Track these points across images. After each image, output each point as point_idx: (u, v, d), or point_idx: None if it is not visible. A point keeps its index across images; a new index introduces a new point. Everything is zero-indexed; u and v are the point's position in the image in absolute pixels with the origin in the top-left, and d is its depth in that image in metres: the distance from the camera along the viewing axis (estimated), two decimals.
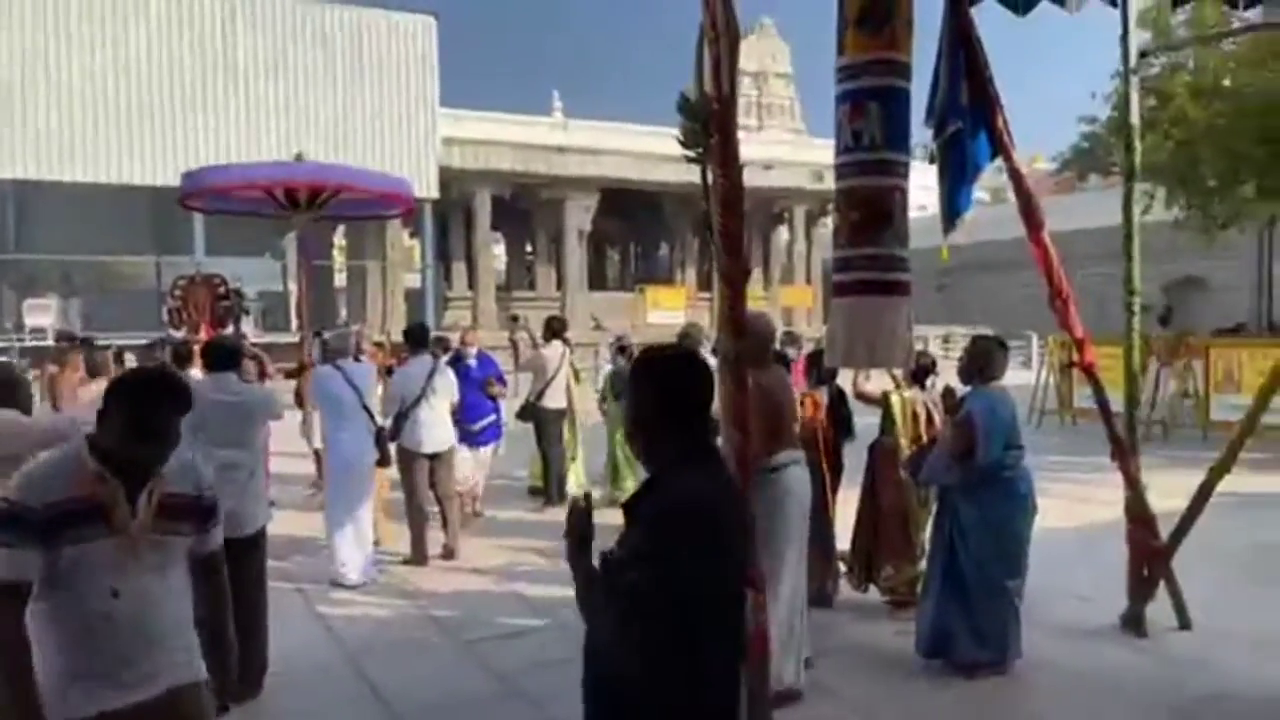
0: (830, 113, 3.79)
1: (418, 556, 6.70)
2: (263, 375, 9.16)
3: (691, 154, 3.21)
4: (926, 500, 5.29)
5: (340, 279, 28.74)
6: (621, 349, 8.89)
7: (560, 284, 28.40)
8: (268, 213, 8.33)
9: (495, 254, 29.68)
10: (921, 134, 4.68)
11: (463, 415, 7.60)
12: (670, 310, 24.84)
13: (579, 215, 27.37)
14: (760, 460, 3.96)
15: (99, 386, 6.43)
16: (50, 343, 17.22)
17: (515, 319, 10.98)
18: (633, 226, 32.66)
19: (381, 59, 23.31)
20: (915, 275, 3.95)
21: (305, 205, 7.50)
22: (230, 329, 10.32)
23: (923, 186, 7.02)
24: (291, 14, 22.37)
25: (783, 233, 32.79)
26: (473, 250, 26.96)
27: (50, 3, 19.89)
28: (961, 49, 4.64)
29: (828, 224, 32.56)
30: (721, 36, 3.02)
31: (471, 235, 26.84)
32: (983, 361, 4.64)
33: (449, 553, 6.82)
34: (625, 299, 28.65)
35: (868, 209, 3.63)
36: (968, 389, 4.68)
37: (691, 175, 3.25)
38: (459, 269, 28.48)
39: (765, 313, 5.51)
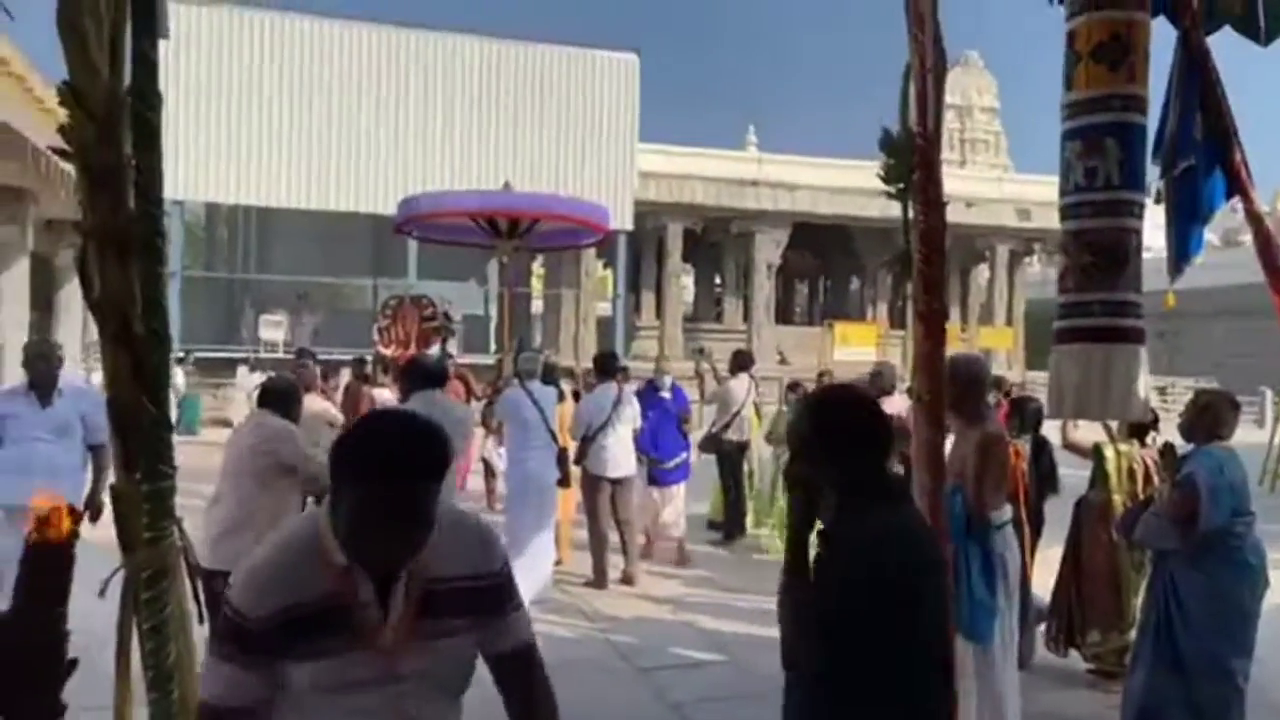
0: (1039, 147, 3.60)
1: (598, 579, 6.83)
2: (469, 395, 9.60)
3: (892, 190, 3.14)
4: (1141, 564, 4.87)
5: (537, 305, 30.00)
6: (793, 388, 8.75)
7: (747, 317, 28.37)
8: (473, 241, 8.80)
9: (684, 285, 30.06)
10: (1150, 171, 4.36)
11: (656, 449, 7.62)
12: (860, 347, 23.92)
13: (769, 249, 27.31)
14: (986, 515, 3.77)
15: (307, 402, 6.85)
16: (281, 355, 18.97)
17: (701, 351, 11.08)
18: (823, 260, 32.22)
19: (585, 96, 24.25)
20: None
21: (514, 233, 7.89)
22: (435, 348, 10.96)
23: (1151, 225, 6.55)
24: (501, 54, 23.68)
25: (983, 271, 31.33)
26: (662, 281, 27.44)
27: (287, 56, 22.11)
28: (1195, 79, 4.30)
29: (1032, 263, 30.85)
30: (929, 72, 2.95)
31: (662, 266, 27.34)
32: (1210, 418, 4.23)
33: (628, 579, 6.92)
34: (813, 333, 28.22)
35: (1102, 253, 3.38)
36: (1190, 447, 4.29)
37: (886, 209, 3.18)
38: (648, 299, 29.03)
39: (981, 356, 5.24)
